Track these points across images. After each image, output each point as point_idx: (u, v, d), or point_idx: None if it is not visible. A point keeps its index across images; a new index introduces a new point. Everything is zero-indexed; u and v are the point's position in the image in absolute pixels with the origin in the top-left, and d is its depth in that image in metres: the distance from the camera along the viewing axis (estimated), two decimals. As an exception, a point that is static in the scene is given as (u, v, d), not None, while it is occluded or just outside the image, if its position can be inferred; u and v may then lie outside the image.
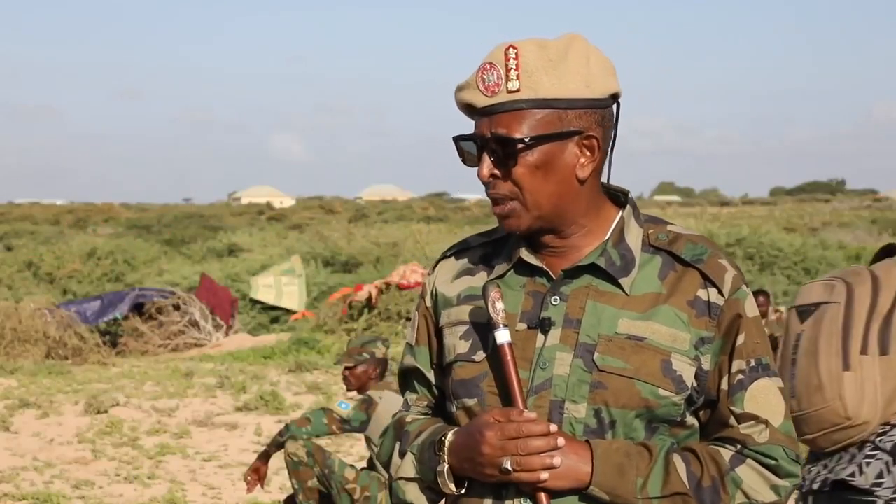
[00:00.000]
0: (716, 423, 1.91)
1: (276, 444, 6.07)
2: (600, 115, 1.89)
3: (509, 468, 1.79)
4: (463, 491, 1.88)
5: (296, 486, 5.87)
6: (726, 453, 1.88)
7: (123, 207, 60.53)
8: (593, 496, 1.81)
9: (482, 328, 1.94)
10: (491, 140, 1.87)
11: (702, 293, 1.89)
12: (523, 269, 1.95)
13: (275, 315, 20.56)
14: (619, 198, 1.99)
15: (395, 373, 2.95)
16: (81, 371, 14.40)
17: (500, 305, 1.87)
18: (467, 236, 2.09)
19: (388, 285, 16.98)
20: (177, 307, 17.62)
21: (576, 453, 1.81)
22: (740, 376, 1.89)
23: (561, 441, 1.79)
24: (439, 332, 2.02)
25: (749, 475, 1.87)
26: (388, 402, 5.53)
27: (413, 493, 1.93)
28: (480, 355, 1.92)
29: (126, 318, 17.40)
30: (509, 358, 1.85)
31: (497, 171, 1.88)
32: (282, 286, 20.76)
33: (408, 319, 15.98)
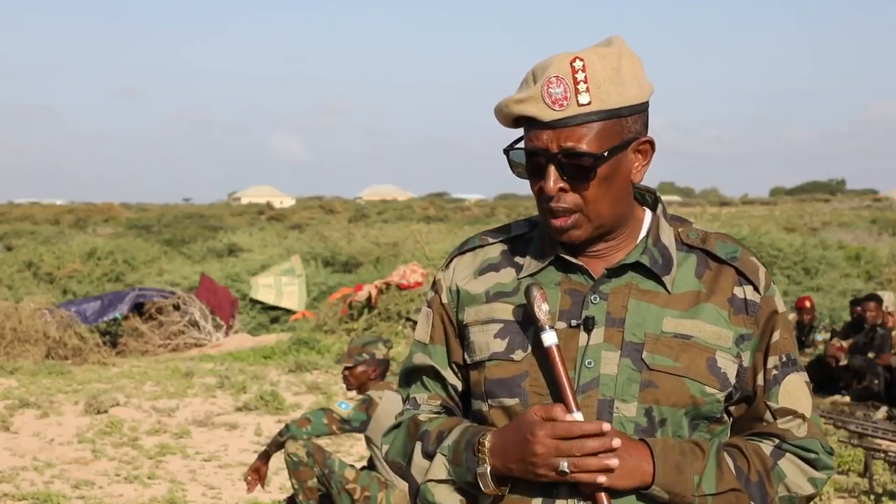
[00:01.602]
0: (751, 418, 1.91)
1: (276, 445, 6.07)
2: (646, 115, 1.89)
3: (566, 470, 1.75)
4: (507, 490, 1.84)
5: (296, 486, 5.87)
6: (767, 447, 1.89)
7: (123, 207, 60.50)
8: (652, 495, 1.80)
9: (520, 327, 1.90)
10: (560, 154, 1.82)
11: (738, 291, 1.89)
12: (557, 266, 1.92)
13: (275, 315, 20.51)
14: (642, 197, 1.98)
15: (396, 373, 2.93)
16: (81, 371, 14.37)
17: (545, 307, 1.84)
18: (479, 233, 2.04)
19: (388, 285, 16.95)
20: (177, 307, 17.59)
21: (637, 452, 1.79)
22: (775, 372, 1.90)
23: (616, 441, 1.76)
24: (462, 330, 1.96)
25: (790, 469, 1.88)
26: (389, 402, 5.53)
27: (442, 494, 1.88)
28: (520, 354, 1.89)
29: (126, 318, 17.36)
30: (559, 360, 1.82)
31: (564, 185, 1.84)
32: (282, 286, 20.72)
33: (408, 320, 15.95)
